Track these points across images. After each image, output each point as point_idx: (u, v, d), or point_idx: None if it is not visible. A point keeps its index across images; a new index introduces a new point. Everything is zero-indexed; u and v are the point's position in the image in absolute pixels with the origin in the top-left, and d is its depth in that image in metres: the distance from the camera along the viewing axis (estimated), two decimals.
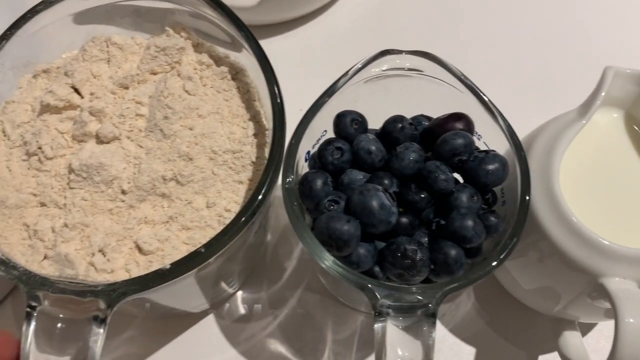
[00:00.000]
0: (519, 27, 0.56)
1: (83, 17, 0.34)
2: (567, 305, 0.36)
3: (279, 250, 0.45)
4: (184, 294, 0.35)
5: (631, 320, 0.28)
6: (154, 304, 0.34)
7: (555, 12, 0.56)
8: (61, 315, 0.26)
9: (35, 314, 0.26)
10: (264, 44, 0.33)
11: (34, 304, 0.26)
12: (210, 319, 0.42)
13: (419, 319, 0.29)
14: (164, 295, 0.32)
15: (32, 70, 0.34)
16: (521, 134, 0.35)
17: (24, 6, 0.45)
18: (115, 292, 0.26)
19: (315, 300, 0.43)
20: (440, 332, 0.42)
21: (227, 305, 0.43)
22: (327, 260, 0.29)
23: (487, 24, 0.56)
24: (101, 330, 0.26)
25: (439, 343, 0.42)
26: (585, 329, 0.42)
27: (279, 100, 0.30)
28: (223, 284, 0.39)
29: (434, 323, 0.28)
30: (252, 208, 0.28)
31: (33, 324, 0.26)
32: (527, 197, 0.31)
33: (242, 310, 0.43)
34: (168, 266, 0.26)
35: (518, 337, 0.42)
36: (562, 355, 0.37)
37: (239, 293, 0.43)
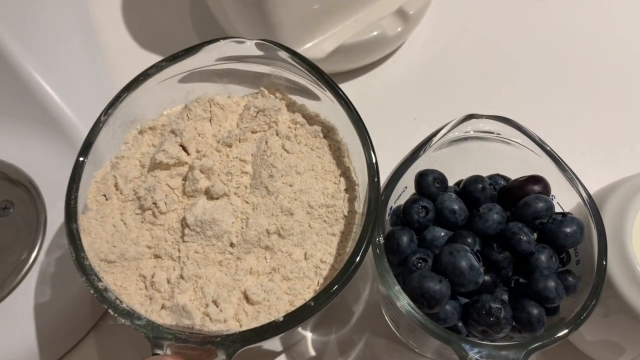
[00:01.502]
0: (588, 78, 0.57)
1: (185, 78, 0.36)
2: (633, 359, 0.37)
3: (347, 294, 0.46)
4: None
5: None
6: None
7: (626, 79, 0.58)
8: None
9: None
10: None
11: (158, 352, 0.28)
12: (282, 359, 0.44)
13: None
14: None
15: (137, 126, 0.36)
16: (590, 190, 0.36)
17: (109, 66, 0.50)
18: (234, 343, 0.28)
19: (382, 345, 0.44)
20: None
21: (297, 345, 0.44)
22: (419, 317, 0.31)
23: (543, 80, 0.58)
24: None
25: None
26: None
27: (375, 168, 0.32)
28: (300, 329, 0.41)
29: None
30: (354, 263, 0.30)
31: None
32: (605, 262, 0.32)
33: (312, 352, 0.44)
34: (281, 318, 0.28)
35: None
36: None
37: (309, 335, 0.45)
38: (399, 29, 0.52)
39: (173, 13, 0.62)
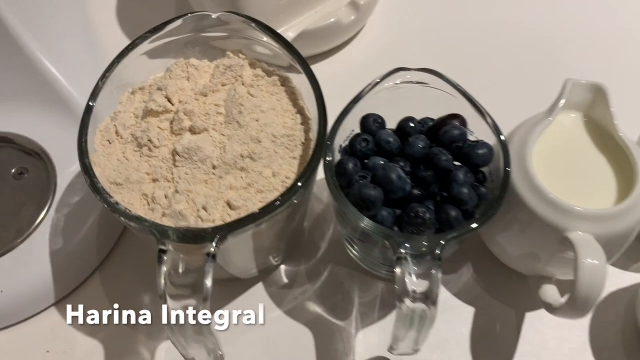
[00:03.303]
0: (502, 47, 0.69)
1: (165, 48, 0.45)
2: (545, 263, 0.44)
3: (314, 233, 0.55)
4: (247, 254, 0.45)
5: (588, 259, 0.36)
6: (226, 262, 0.43)
7: (533, 35, 0.69)
8: (181, 256, 0.35)
9: (165, 257, 0.34)
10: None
11: (163, 247, 0.35)
12: (260, 286, 0.52)
13: (429, 262, 0.35)
14: (240, 249, 0.42)
15: (129, 88, 0.45)
16: (505, 131, 0.42)
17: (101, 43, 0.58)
18: (221, 231, 0.35)
19: (344, 272, 0.52)
20: (445, 295, 0.51)
21: (272, 275, 0.52)
22: (362, 219, 0.38)
23: (478, 48, 0.69)
24: (212, 263, 0.34)
25: (444, 304, 0.51)
26: None
27: (321, 100, 0.41)
28: (271, 255, 0.49)
29: (440, 265, 0.35)
30: (308, 171, 0.38)
31: (164, 264, 0.34)
32: (508, 169, 0.40)
33: (285, 279, 0.52)
34: (257, 211, 0.36)
35: (509, 298, 0.51)
36: (541, 300, 0.44)
37: (282, 267, 0.52)
38: (352, 17, 0.63)
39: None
